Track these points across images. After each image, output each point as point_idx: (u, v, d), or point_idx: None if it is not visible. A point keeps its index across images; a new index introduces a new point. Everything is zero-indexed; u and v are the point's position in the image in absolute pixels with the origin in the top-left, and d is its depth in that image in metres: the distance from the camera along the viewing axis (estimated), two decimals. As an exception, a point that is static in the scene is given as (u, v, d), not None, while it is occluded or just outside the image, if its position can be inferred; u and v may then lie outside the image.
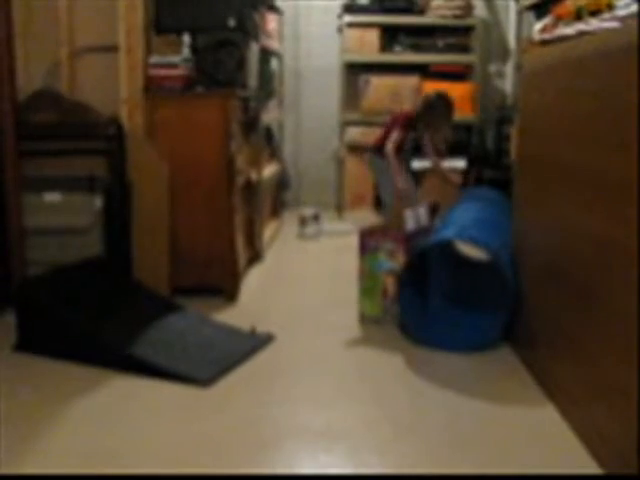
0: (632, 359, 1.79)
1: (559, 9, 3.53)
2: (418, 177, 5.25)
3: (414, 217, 3.19)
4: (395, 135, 4.45)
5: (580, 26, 2.39)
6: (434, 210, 3.42)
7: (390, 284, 3.12)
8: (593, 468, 1.94)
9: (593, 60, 2.10)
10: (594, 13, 2.56)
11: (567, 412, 2.24)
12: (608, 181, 1.96)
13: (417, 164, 5.30)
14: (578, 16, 2.75)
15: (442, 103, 4.54)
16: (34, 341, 2.78)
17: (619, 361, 1.87)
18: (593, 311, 2.05)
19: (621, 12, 2.07)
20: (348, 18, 5.78)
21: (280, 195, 5.75)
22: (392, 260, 3.11)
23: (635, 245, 1.78)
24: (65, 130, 3.34)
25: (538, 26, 4.19)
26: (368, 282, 3.18)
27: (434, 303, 3.19)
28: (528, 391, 2.48)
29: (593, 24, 2.25)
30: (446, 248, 3.48)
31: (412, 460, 2.01)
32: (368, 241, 3.16)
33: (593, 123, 2.09)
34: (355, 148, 5.89)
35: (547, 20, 3.94)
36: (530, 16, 5.19)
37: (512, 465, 1.98)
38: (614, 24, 2.04)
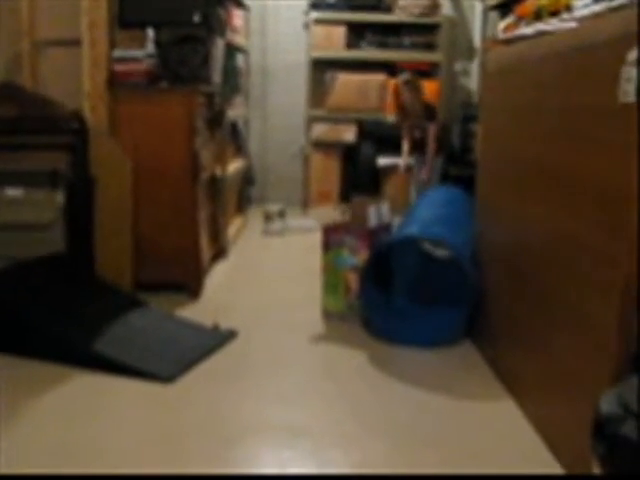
0: (588, 354, 1.83)
1: (520, 9, 3.57)
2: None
3: (376, 214, 3.21)
4: None
5: (539, 26, 2.44)
6: None
7: (353, 280, 3.13)
8: (550, 461, 1.99)
9: (550, 59, 2.14)
10: (554, 13, 2.60)
11: (525, 406, 2.28)
12: (567, 179, 2.00)
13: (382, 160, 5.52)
14: (538, 16, 2.80)
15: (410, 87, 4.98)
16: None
17: (574, 356, 1.91)
18: (551, 307, 2.09)
19: (579, 13, 2.11)
20: (315, 14, 5.78)
21: (246, 191, 5.74)
22: (355, 256, 3.12)
23: (594, 242, 1.82)
24: (26, 124, 3.28)
25: (502, 25, 4.24)
26: (331, 278, 3.19)
27: (397, 299, 3.21)
28: (489, 386, 2.52)
29: (552, 24, 2.29)
30: (409, 245, 3.50)
31: (376, 456, 2.04)
32: (332, 237, 3.17)
33: (550, 121, 2.13)
34: (321, 144, 5.90)
35: (510, 19, 3.99)
36: (495, 15, 5.24)
37: (473, 461, 2.01)
38: (571, 25, 2.08)
